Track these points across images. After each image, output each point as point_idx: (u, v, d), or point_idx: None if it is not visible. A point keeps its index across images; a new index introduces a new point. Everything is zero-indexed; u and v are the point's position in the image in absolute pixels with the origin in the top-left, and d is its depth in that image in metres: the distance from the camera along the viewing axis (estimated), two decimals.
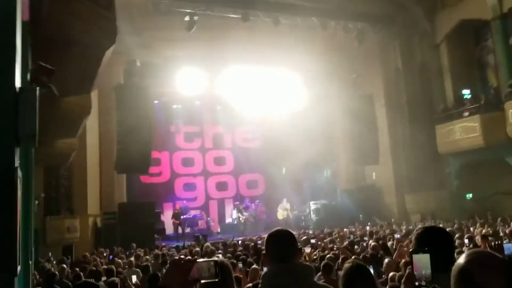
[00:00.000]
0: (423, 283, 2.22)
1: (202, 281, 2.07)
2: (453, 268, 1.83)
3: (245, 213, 23.83)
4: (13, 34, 2.38)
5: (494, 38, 20.33)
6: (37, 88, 2.69)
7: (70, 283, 8.66)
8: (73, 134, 13.84)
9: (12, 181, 2.17)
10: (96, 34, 9.76)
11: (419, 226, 16.18)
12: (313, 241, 12.91)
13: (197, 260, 2.08)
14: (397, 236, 12.94)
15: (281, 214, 24.03)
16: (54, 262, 12.33)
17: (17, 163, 2.25)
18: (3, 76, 2.29)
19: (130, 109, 19.25)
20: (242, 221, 23.41)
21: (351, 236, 14.85)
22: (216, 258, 2.21)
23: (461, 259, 1.82)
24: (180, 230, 21.69)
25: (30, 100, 2.42)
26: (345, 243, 12.37)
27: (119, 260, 11.49)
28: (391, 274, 6.34)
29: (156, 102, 23.19)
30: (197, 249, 13.55)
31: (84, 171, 18.40)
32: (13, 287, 2.16)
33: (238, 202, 25.16)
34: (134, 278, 7.90)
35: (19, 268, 2.24)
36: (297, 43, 22.33)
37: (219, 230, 24.29)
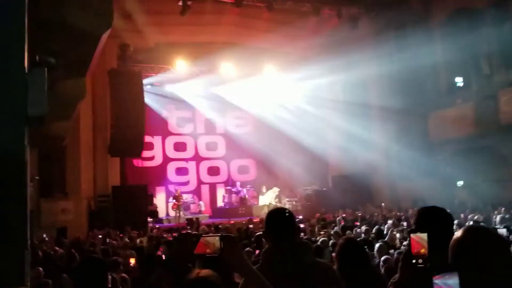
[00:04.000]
0: (420, 260, 2.26)
1: (207, 256, 2.14)
2: (451, 243, 1.90)
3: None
4: (22, 12, 2.36)
5: (488, 26, 20.35)
6: (46, 69, 2.71)
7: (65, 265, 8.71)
8: (68, 117, 13.84)
9: (23, 158, 2.23)
10: (93, 17, 9.73)
11: (410, 212, 16.43)
12: (303, 226, 13.03)
13: (203, 235, 2.16)
14: (389, 221, 13.03)
15: (266, 201, 23.75)
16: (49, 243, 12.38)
17: (26, 143, 2.30)
18: (13, 55, 2.30)
19: (123, 93, 19.27)
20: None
21: (343, 222, 14.93)
22: (221, 234, 2.28)
23: (459, 233, 1.90)
24: (176, 213, 22.11)
25: (39, 80, 2.44)
26: (337, 228, 12.48)
27: (114, 242, 11.55)
28: (384, 257, 6.43)
29: (148, 86, 23.17)
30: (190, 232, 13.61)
31: (78, 154, 18.45)
32: (24, 260, 2.21)
33: (229, 187, 25.25)
34: (132, 261, 7.97)
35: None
36: (289, 28, 22.25)
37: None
